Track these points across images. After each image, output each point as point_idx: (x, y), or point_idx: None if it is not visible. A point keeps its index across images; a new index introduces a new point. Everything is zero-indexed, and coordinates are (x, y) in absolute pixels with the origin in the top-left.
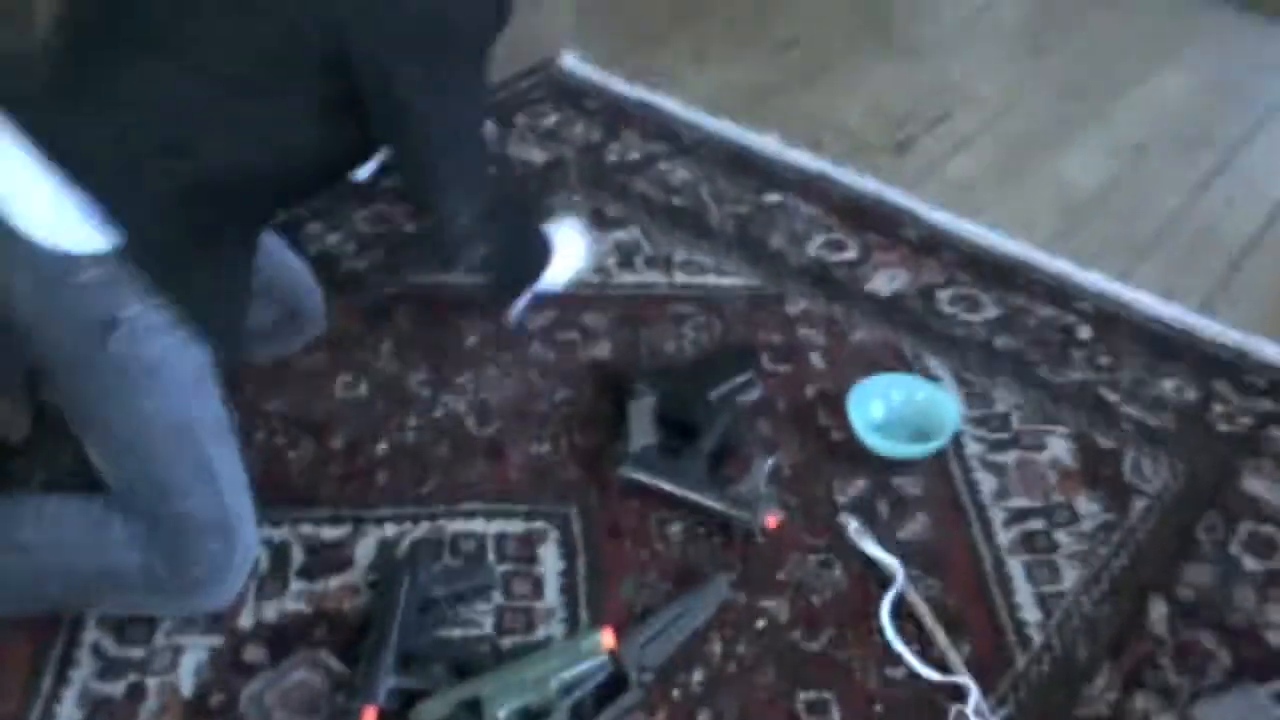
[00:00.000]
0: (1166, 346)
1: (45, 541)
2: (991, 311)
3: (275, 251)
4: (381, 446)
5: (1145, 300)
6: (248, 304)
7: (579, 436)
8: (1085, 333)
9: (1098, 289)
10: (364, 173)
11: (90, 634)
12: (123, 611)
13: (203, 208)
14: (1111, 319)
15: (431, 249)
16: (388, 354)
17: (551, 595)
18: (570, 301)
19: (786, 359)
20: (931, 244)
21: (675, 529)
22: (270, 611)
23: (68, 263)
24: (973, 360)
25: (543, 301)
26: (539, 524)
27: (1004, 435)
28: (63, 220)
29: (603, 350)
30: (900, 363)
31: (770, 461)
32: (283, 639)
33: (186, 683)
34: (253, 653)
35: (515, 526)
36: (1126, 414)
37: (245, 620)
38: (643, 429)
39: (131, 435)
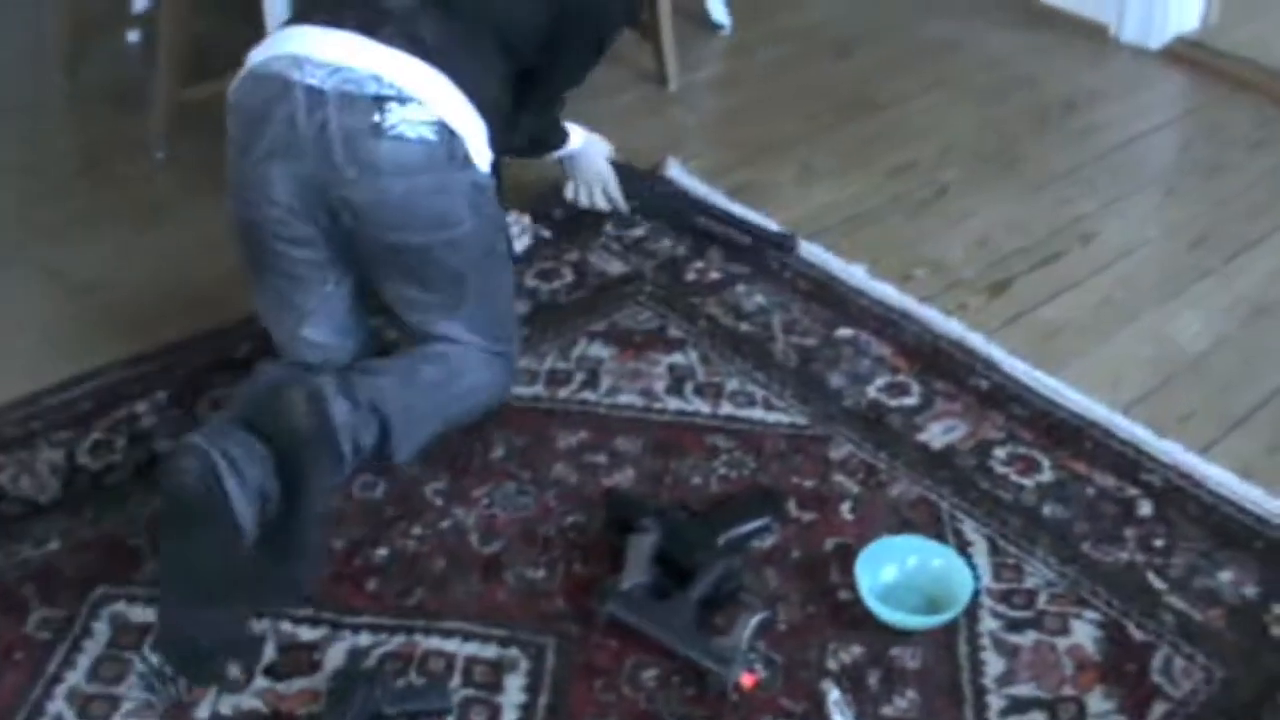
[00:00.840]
0: (1232, 533)
1: (472, 386)
2: (1047, 476)
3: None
4: (380, 552)
5: (1220, 477)
6: None
7: (579, 565)
8: (1145, 508)
9: (1171, 460)
10: None
11: (56, 704)
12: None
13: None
14: (1178, 495)
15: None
16: None
17: None
18: (607, 422)
19: (814, 506)
20: (1000, 396)
21: (649, 675)
22: (227, 706)
23: (487, 180)
24: (1012, 528)
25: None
26: (512, 651)
27: (1026, 614)
28: (484, 148)
29: (625, 477)
30: (933, 522)
31: (759, 616)
32: None
33: None
34: None
35: (488, 651)
36: (1170, 604)
37: (202, 712)
38: (638, 566)
39: (506, 299)
